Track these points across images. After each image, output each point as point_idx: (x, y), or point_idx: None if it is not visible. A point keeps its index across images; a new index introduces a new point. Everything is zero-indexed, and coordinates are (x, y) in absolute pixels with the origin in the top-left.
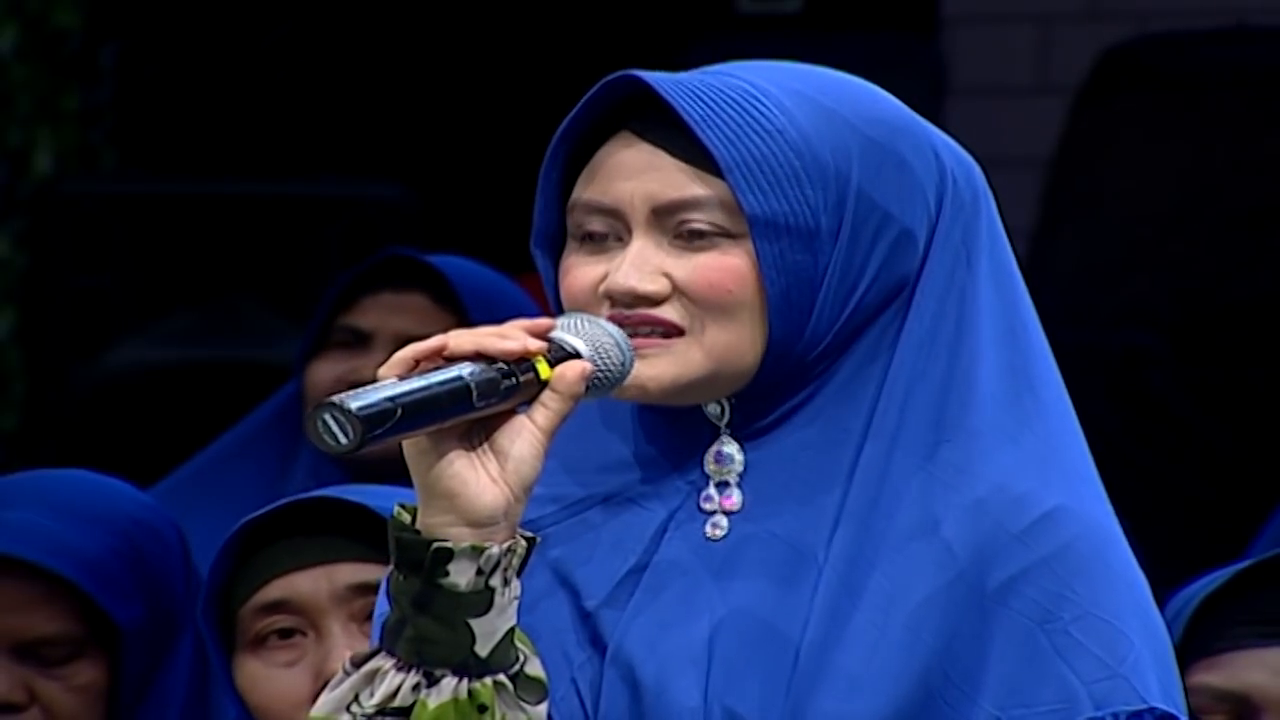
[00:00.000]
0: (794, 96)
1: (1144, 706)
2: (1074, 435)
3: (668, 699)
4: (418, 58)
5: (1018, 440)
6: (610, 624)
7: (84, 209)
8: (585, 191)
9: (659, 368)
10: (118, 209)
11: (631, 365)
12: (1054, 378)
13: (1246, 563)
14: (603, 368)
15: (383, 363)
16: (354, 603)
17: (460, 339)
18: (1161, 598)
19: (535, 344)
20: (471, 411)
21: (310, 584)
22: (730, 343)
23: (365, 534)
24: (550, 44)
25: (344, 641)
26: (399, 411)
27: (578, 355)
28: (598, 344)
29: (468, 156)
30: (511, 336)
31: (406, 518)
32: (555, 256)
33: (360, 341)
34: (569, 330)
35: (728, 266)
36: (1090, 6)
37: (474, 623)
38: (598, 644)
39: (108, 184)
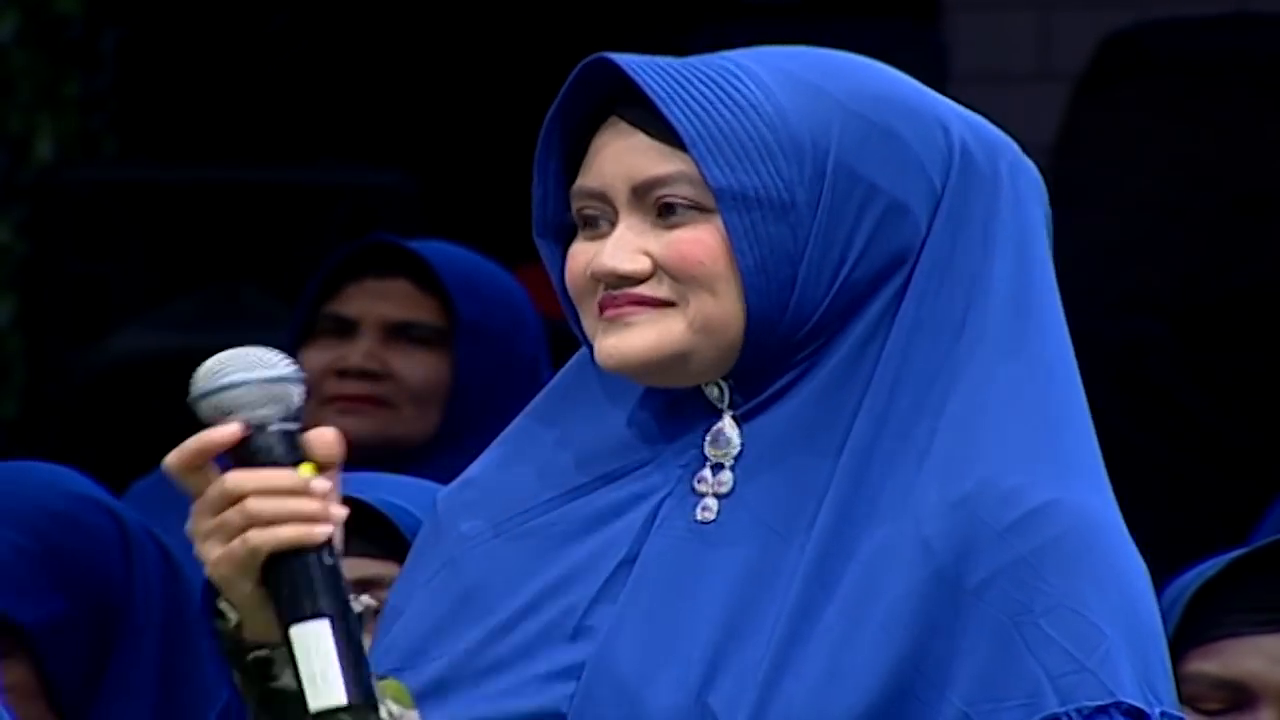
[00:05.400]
0: (778, 74)
1: (1109, 700)
2: (1077, 423)
3: (647, 695)
4: (418, 43)
5: (1010, 431)
6: (600, 620)
7: (84, 196)
8: (581, 179)
9: (637, 336)
10: (118, 196)
11: (294, 376)
12: (1065, 365)
13: (1244, 549)
14: (285, 409)
15: (369, 350)
16: None
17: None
18: (1162, 585)
19: (320, 505)
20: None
21: None
22: (711, 314)
23: (364, 529)
24: (552, 31)
25: None
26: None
27: (293, 432)
28: (264, 401)
29: (468, 142)
30: (315, 516)
31: (232, 621)
32: (565, 245)
33: (345, 329)
34: (248, 413)
35: (698, 239)
36: None
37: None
38: (585, 638)
39: (108, 171)
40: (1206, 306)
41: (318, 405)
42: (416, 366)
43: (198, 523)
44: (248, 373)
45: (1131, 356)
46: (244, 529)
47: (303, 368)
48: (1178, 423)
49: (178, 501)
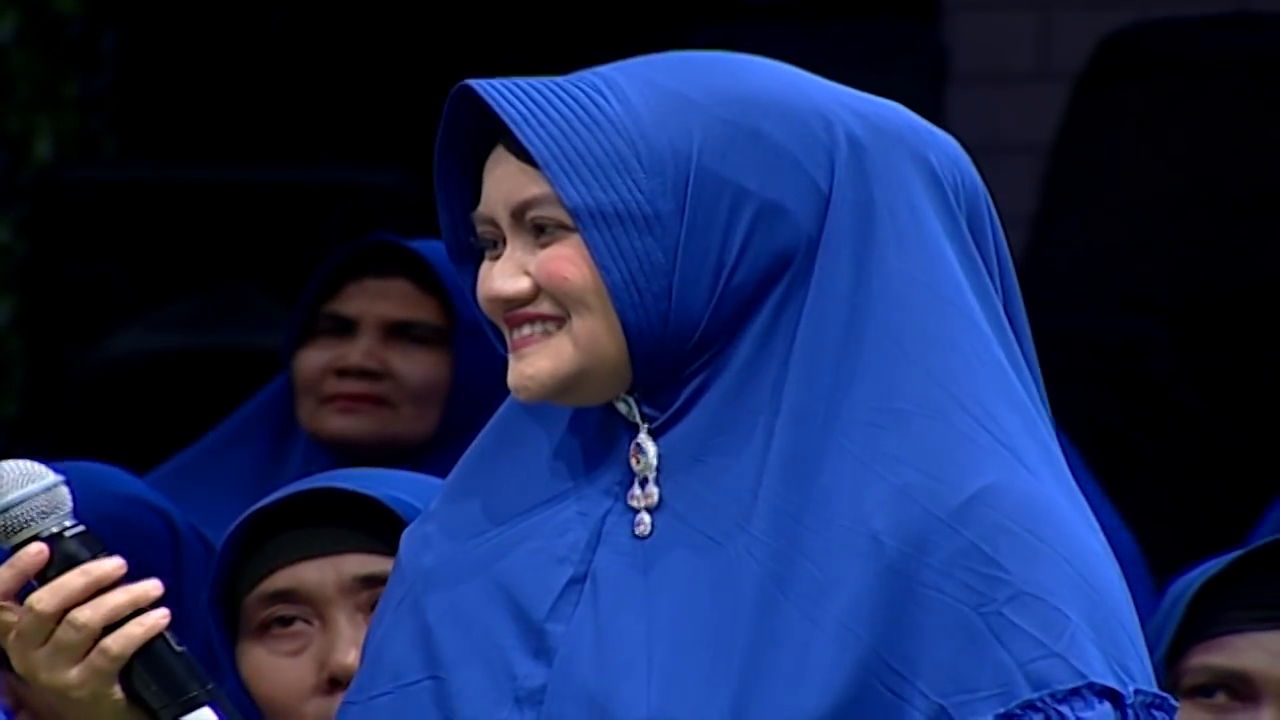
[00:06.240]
0: (641, 85)
1: (1081, 683)
2: (1016, 405)
3: (615, 710)
4: (418, 44)
5: (949, 419)
6: (555, 639)
7: (84, 196)
8: (479, 206)
9: (531, 366)
10: (118, 196)
11: (60, 480)
12: (990, 355)
13: (1245, 549)
14: (68, 512)
15: (368, 349)
16: (360, 594)
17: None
18: (1162, 584)
19: (136, 590)
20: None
21: (317, 574)
22: (592, 330)
23: (372, 525)
24: (551, 32)
25: (349, 632)
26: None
27: (85, 532)
28: (50, 510)
29: None
30: (138, 602)
31: None
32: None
33: (345, 329)
34: (38, 526)
35: (563, 256)
36: None
37: None
38: (543, 659)
39: (108, 171)
40: (1206, 306)
41: (317, 404)
42: (416, 366)
43: (27, 658)
44: (24, 487)
45: (1131, 356)
46: (89, 642)
47: (303, 366)
48: (1176, 422)
49: (178, 502)
